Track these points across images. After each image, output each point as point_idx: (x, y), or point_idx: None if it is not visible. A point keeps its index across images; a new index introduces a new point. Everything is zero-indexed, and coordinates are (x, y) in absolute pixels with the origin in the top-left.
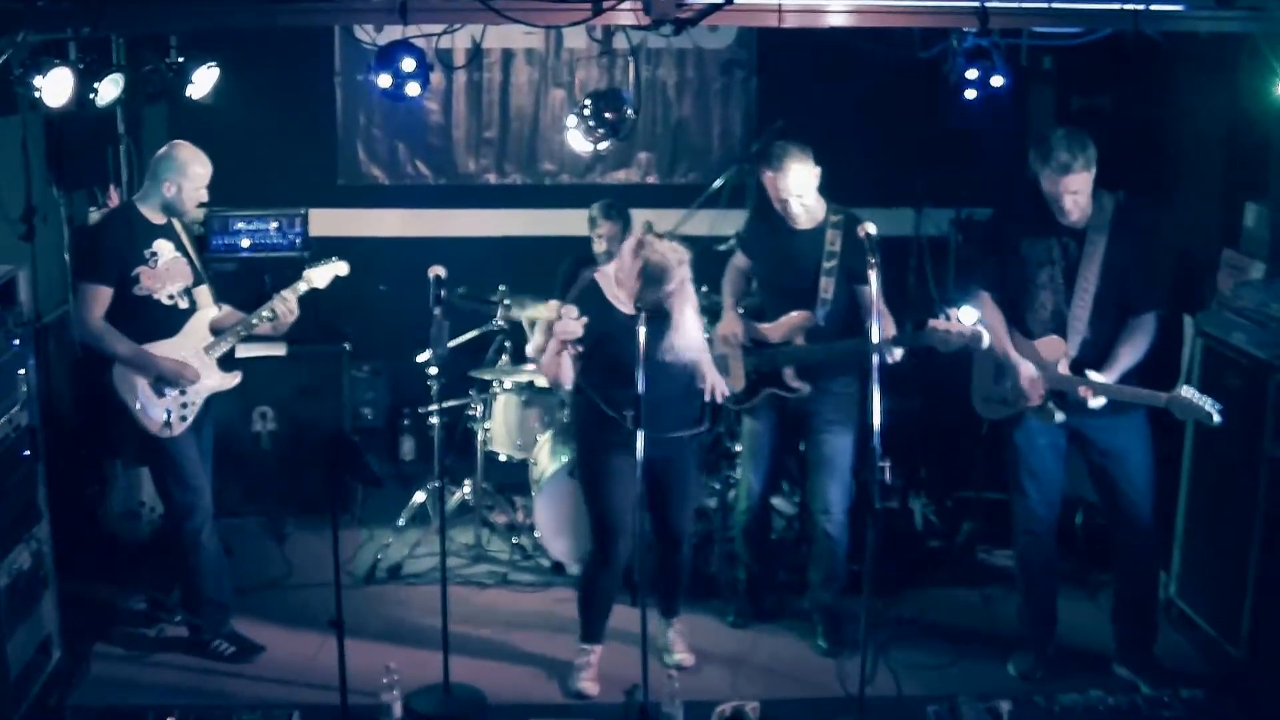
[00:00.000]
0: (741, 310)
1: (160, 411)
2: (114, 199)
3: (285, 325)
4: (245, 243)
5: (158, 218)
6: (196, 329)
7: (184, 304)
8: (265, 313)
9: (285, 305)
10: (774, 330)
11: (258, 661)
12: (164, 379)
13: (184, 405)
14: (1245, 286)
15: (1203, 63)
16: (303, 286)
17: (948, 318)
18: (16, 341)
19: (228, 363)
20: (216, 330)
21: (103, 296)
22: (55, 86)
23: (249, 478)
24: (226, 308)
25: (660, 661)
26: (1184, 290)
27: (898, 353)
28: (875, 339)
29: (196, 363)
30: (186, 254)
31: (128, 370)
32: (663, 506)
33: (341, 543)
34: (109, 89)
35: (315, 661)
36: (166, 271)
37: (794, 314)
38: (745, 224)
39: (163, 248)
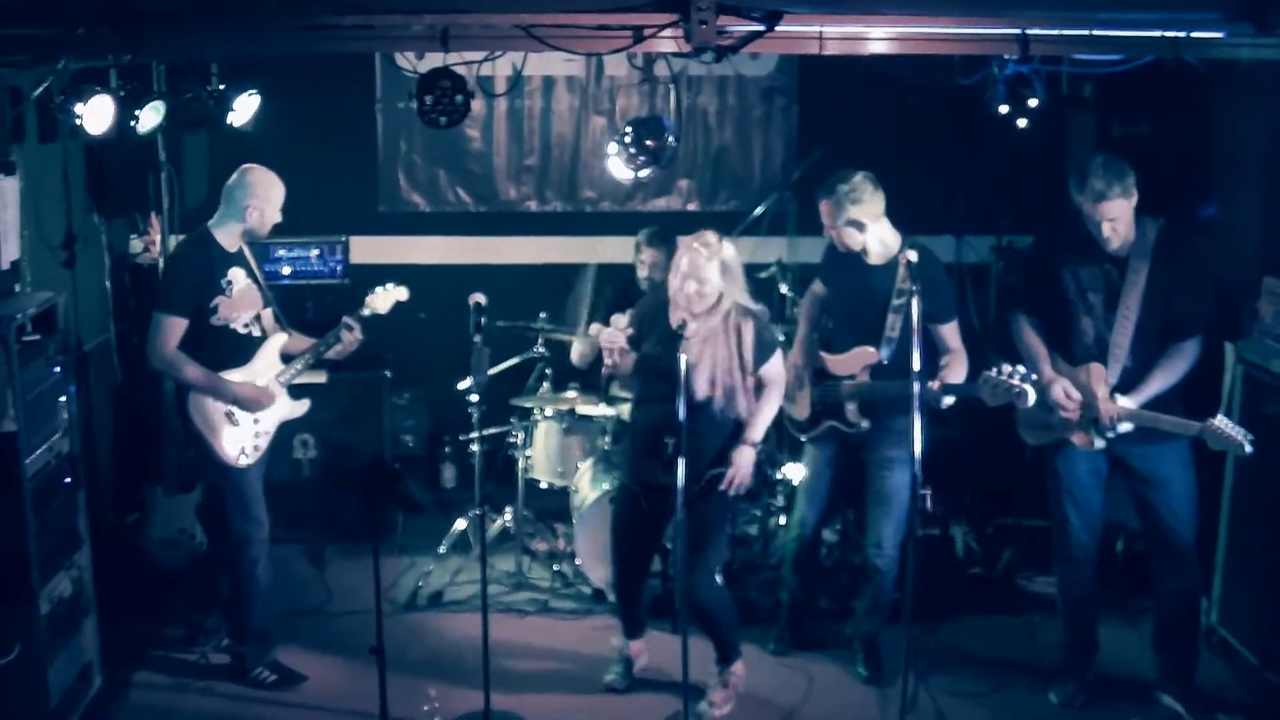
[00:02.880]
0: (816, 335)
1: (235, 441)
2: (155, 226)
3: (350, 350)
4: (286, 270)
5: (233, 244)
6: (268, 356)
7: (256, 331)
8: (330, 339)
9: (352, 334)
10: (840, 364)
11: (299, 690)
12: (241, 405)
13: (257, 435)
14: None
15: (1243, 90)
16: (366, 312)
17: (999, 370)
18: (57, 369)
19: (293, 390)
20: (286, 357)
21: (178, 328)
22: (96, 114)
23: (290, 505)
24: (295, 334)
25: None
26: (1224, 317)
27: (947, 400)
28: (916, 366)
29: (269, 388)
30: (256, 280)
31: (204, 399)
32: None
33: (382, 570)
34: (150, 116)
35: (356, 689)
36: (241, 299)
37: (860, 350)
38: (825, 252)
39: (236, 275)
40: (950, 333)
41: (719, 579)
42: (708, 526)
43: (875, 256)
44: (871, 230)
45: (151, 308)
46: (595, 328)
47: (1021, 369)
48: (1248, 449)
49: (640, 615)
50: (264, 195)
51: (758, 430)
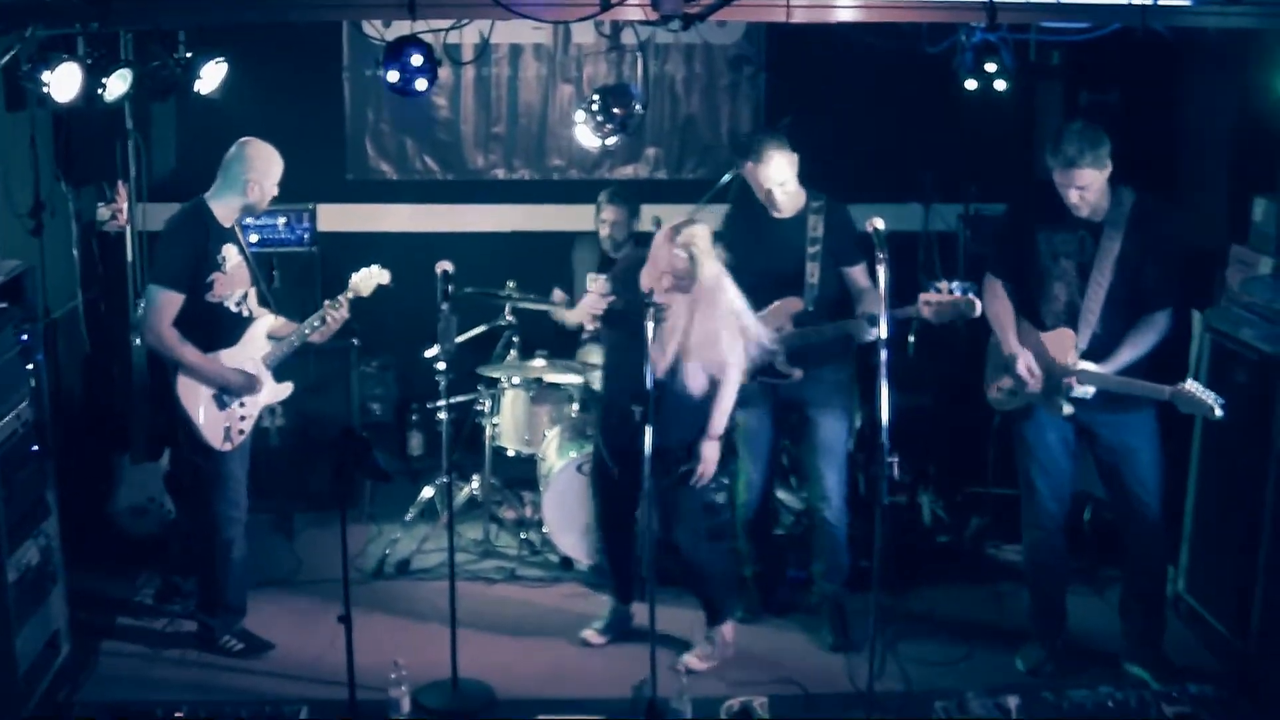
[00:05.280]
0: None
1: (221, 425)
2: (122, 194)
3: (334, 331)
4: (254, 238)
5: (229, 219)
6: (255, 338)
7: (245, 311)
8: (315, 321)
9: (339, 313)
10: (764, 319)
11: (267, 658)
12: (229, 390)
13: (242, 419)
14: (1253, 282)
15: (1211, 58)
16: (350, 295)
17: (937, 290)
18: (25, 337)
19: (275, 372)
20: (272, 338)
21: (175, 303)
22: (63, 82)
23: (258, 473)
24: (281, 317)
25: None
26: (1192, 286)
27: (874, 331)
28: (884, 333)
29: (257, 374)
30: (246, 257)
31: (193, 381)
32: (663, 516)
33: (350, 538)
34: (117, 84)
35: (324, 657)
36: (234, 276)
37: (783, 301)
38: (724, 220)
39: (230, 251)
40: (860, 274)
41: (706, 537)
42: (680, 502)
43: (788, 210)
44: (790, 181)
45: (147, 280)
46: (558, 294)
47: (959, 283)
48: (1218, 412)
49: (631, 576)
50: (263, 169)
51: (719, 423)
